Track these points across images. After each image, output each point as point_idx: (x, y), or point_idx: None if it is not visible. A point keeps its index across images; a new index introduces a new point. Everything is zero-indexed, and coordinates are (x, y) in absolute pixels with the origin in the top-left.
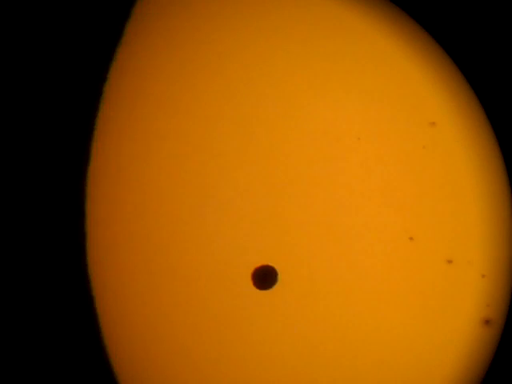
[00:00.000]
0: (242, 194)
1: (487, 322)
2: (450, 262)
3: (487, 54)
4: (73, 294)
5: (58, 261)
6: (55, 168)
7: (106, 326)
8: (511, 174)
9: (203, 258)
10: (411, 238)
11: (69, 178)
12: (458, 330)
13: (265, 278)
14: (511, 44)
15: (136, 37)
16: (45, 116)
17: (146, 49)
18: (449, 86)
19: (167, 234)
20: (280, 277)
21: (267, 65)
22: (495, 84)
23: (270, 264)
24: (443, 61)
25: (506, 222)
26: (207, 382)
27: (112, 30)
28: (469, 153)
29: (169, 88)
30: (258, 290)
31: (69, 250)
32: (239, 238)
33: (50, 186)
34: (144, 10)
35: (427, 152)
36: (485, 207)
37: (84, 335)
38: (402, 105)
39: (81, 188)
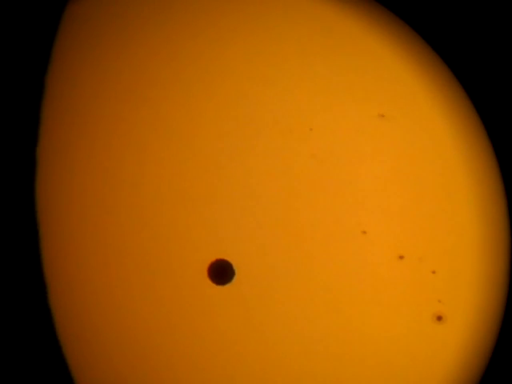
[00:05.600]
0: (197, 187)
1: (439, 318)
2: (401, 257)
3: (477, 52)
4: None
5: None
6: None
7: (61, 321)
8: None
9: (158, 252)
10: (364, 232)
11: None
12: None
13: (221, 272)
14: (501, 43)
15: (69, 40)
16: None
17: (81, 51)
18: (439, 85)
19: (121, 229)
20: (237, 271)
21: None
22: (485, 81)
23: (226, 259)
24: (433, 60)
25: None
26: (162, 378)
27: (44, 34)
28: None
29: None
30: (214, 285)
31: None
32: (194, 232)
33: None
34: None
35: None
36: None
37: (36, 318)
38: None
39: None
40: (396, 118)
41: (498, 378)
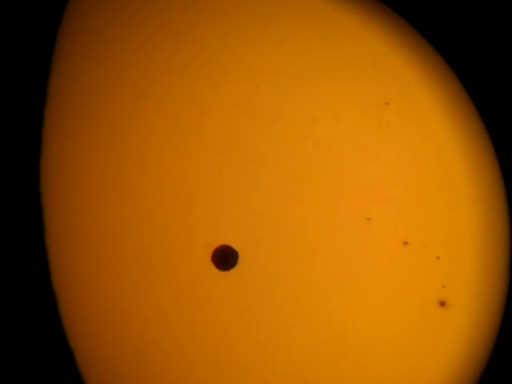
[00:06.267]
0: (201, 174)
1: (443, 303)
2: (405, 243)
3: (478, 51)
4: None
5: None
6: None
7: (65, 309)
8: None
9: (162, 238)
10: (368, 219)
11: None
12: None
13: (225, 258)
14: (503, 42)
15: (71, 37)
16: None
17: (82, 49)
18: (441, 84)
19: (125, 215)
20: (240, 257)
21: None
22: (487, 83)
23: (230, 244)
24: (434, 58)
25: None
26: (168, 366)
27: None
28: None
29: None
30: (218, 271)
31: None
32: (198, 218)
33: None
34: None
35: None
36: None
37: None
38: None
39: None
40: (400, 106)
41: (502, 364)
